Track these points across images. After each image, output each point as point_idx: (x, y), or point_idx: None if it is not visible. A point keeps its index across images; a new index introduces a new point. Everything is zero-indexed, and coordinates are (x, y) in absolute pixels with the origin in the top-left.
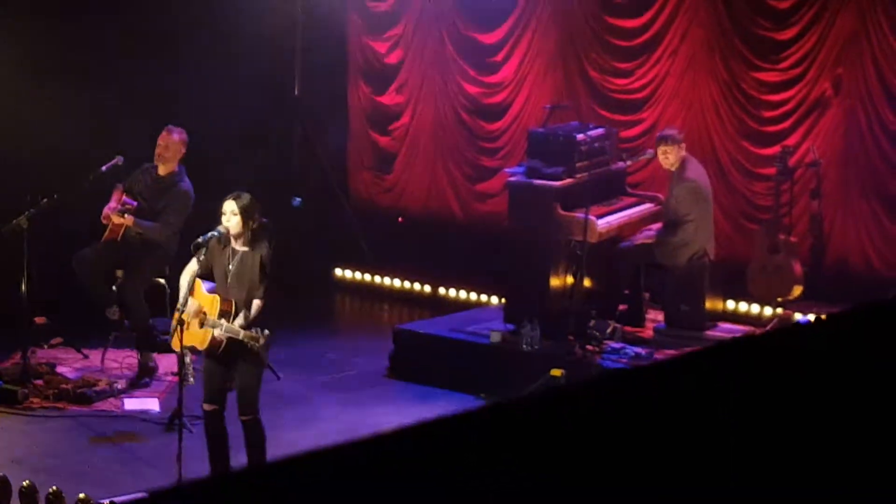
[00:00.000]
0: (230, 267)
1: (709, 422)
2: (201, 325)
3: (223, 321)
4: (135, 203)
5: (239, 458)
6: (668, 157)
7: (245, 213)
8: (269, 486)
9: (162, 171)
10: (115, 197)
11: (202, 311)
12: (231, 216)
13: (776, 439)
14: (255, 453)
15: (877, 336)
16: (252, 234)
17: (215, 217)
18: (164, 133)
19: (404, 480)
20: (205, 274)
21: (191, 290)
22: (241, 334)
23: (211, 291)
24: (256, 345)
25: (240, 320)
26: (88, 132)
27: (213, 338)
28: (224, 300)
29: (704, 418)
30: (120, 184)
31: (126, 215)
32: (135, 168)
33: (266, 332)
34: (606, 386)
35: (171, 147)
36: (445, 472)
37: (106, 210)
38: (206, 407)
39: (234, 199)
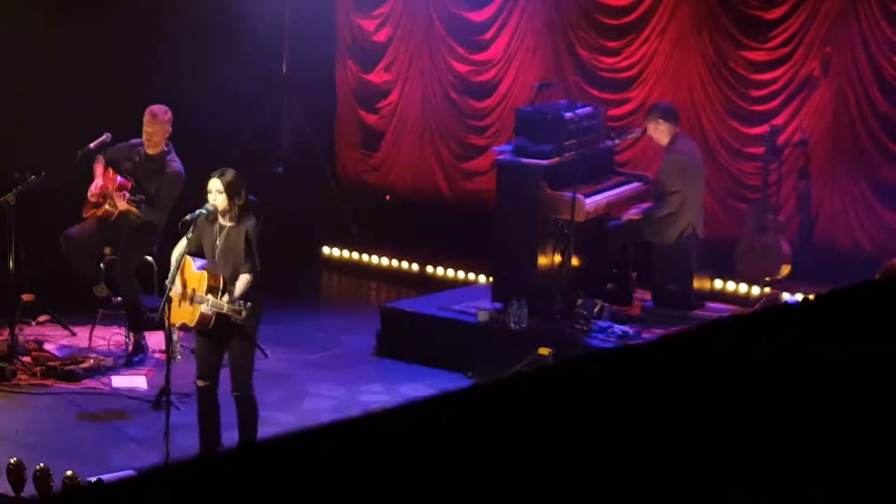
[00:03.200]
0: (217, 243)
1: (696, 401)
2: (191, 301)
3: (210, 296)
4: (139, 196)
5: (229, 435)
6: (653, 133)
7: (230, 189)
8: (256, 465)
9: (151, 150)
10: (98, 171)
11: (191, 287)
12: (217, 194)
13: (763, 419)
14: (247, 429)
15: (863, 316)
16: (239, 211)
17: (203, 194)
18: (147, 117)
19: (392, 460)
20: (195, 250)
21: (179, 268)
22: (225, 308)
23: (202, 268)
24: (239, 318)
25: (227, 295)
26: (76, 108)
27: (202, 314)
28: (212, 276)
29: (691, 397)
30: (100, 155)
31: (140, 206)
32: (118, 141)
33: (248, 304)
34: (593, 365)
35: (158, 131)
36: (433, 451)
37: (95, 188)
38: (199, 383)
39: (218, 176)
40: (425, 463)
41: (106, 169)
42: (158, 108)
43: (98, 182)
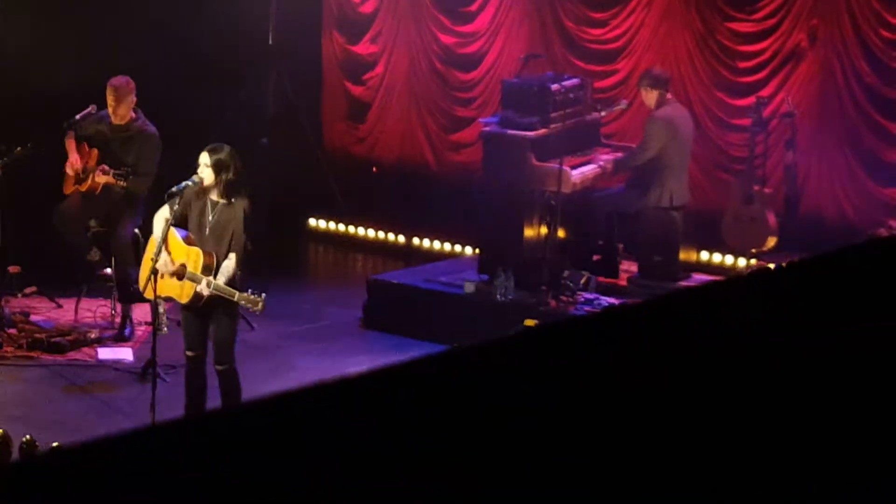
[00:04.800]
0: (209, 219)
1: (679, 366)
2: (180, 276)
3: (209, 278)
4: (124, 169)
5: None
6: (644, 99)
7: (217, 165)
8: (239, 428)
9: (119, 120)
10: (71, 146)
11: (182, 264)
12: (204, 168)
13: (746, 383)
14: (230, 402)
15: (845, 280)
16: (225, 187)
17: (187, 166)
18: (109, 91)
19: (374, 424)
20: (178, 222)
21: (165, 239)
22: (237, 296)
23: (186, 240)
24: (256, 308)
25: (222, 276)
26: (62, 80)
27: (197, 293)
28: (206, 254)
29: (675, 362)
30: (70, 131)
31: (127, 177)
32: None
33: (264, 295)
34: (576, 329)
35: (122, 102)
36: (414, 414)
37: (75, 164)
38: (188, 353)
39: (209, 151)
40: (401, 427)
41: (81, 144)
42: (118, 80)
43: (75, 157)
